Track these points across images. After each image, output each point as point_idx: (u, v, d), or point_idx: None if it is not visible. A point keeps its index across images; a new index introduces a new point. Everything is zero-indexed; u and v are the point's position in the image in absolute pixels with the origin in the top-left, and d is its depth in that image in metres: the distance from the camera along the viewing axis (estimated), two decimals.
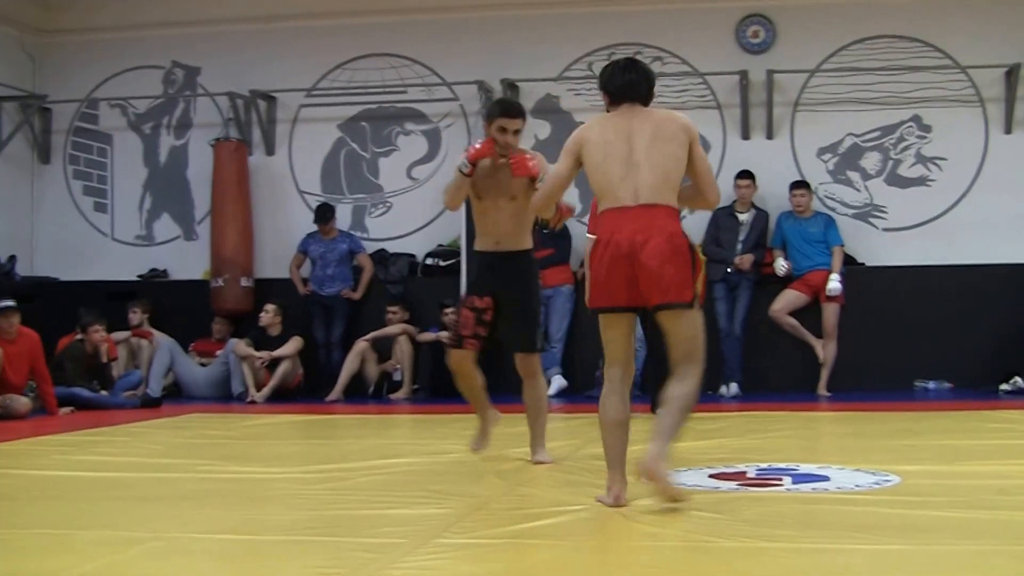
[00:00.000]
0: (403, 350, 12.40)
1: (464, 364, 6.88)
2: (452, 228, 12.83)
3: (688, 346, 5.31)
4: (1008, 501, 5.37)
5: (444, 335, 7.03)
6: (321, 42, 13.37)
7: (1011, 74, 12.54)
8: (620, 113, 5.57)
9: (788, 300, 12.16)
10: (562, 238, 12.52)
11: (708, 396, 11.73)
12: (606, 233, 5.29)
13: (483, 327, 6.78)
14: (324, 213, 12.91)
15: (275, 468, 6.92)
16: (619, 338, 5.40)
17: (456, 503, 5.51)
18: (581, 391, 12.09)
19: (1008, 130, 12.52)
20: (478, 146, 6.64)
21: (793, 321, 12.18)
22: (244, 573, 4.32)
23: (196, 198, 13.69)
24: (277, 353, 12.33)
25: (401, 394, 12.32)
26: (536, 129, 12.99)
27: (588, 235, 9.69)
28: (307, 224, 13.06)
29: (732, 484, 5.95)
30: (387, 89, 13.27)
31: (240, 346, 12.40)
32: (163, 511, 5.53)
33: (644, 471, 5.10)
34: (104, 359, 12.02)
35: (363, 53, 13.34)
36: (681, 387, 5.30)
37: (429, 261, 13.01)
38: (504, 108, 6.80)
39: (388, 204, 13.34)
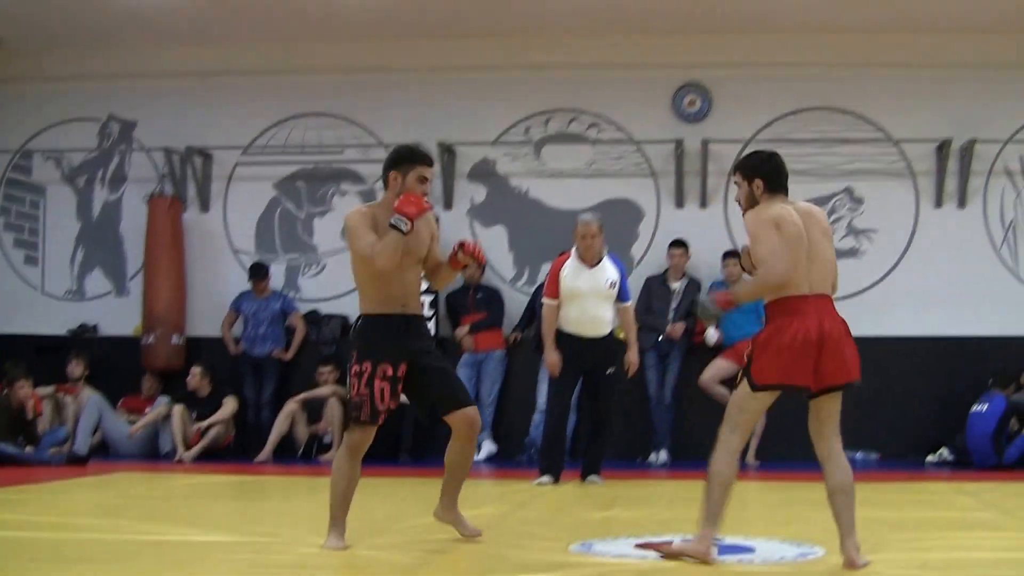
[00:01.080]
0: (333, 412, 12.34)
1: (366, 444, 6.23)
2: None
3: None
4: (928, 575, 5.44)
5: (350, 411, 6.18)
6: (259, 100, 13.34)
7: (942, 148, 12.72)
8: (790, 203, 5.83)
9: (717, 369, 12.19)
10: (494, 302, 12.56)
11: (637, 464, 11.81)
12: (795, 319, 5.62)
13: (395, 400, 6.16)
14: (258, 271, 12.86)
15: (200, 531, 6.82)
16: (762, 411, 6.03)
17: (384, 571, 5.48)
18: (510, 457, 12.10)
19: (938, 203, 12.68)
20: (412, 201, 6.01)
21: (723, 390, 12.19)
22: None
23: (129, 253, 13.56)
24: (213, 419, 12.23)
25: (330, 456, 12.21)
26: (472, 192, 13.07)
27: (547, 300, 9.74)
28: (240, 283, 13.02)
29: (656, 555, 5.91)
30: (324, 149, 13.25)
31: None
32: (82, 574, 5.45)
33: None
34: (29, 415, 11.86)
35: (300, 112, 13.31)
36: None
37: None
38: (422, 155, 6.27)
39: (322, 264, 13.29)
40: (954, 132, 12.69)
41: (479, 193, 13.09)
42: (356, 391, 6.13)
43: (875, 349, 12.28)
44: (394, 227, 5.99)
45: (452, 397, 6.29)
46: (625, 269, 10.29)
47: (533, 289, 12.48)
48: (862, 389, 12.25)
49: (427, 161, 6.26)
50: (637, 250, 12.95)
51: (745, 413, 5.98)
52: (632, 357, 10.04)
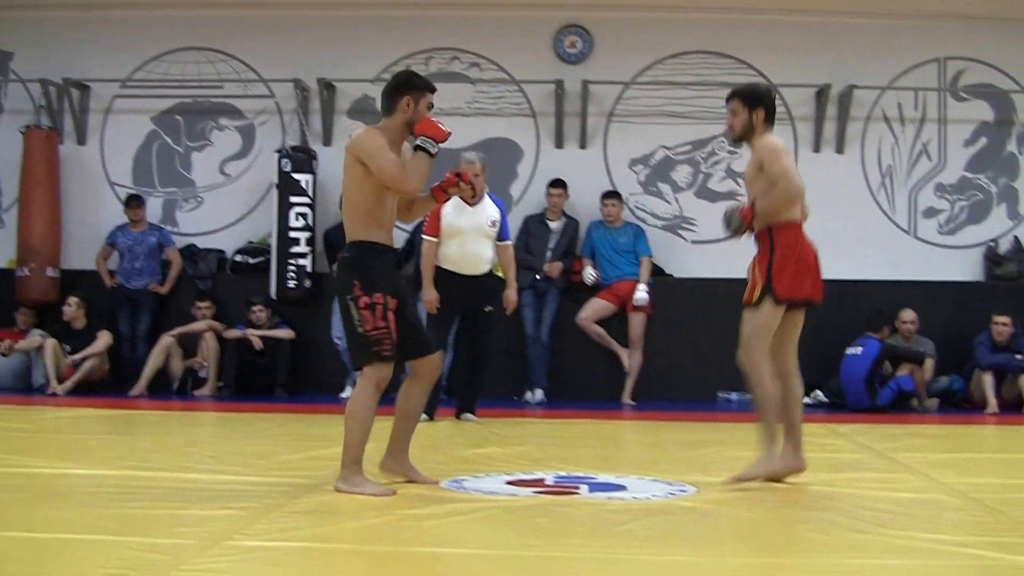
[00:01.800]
0: (209, 347, 12.28)
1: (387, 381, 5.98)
2: (263, 225, 12.77)
3: None
4: (798, 514, 5.47)
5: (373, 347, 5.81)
6: (137, 33, 13.15)
7: (821, 94, 12.84)
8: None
9: (595, 309, 12.25)
10: None
11: (512, 402, 11.83)
12: (802, 241, 6.36)
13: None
14: (133, 199, 12.75)
15: (70, 464, 6.74)
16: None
17: (254, 504, 5.35)
18: (387, 393, 12.04)
19: (817, 148, 12.81)
20: (435, 125, 5.88)
21: (600, 330, 12.27)
22: (22, 574, 4.07)
23: (3, 185, 13.34)
24: (87, 352, 12.10)
25: (205, 391, 12.19)
26: (352, 129, 12.92)
27: (427, 237, 9.68)
28: (117, 216, 12.88)
29: (529, 491, 5.92)
30: (203, 83, 13.12)
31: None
32: None
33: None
34: None
35: (180, 46, 13.15)
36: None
37: (238, 258, 12.91)
38: (430, 83, 6.04)
39: (199, 199, 13.18)
40: (833, 78, 12.82)
41: (359, 130, 12.96)
42: (371, 325, 5.82)
43: None
44: (423, 149, 5.87)
45: (422, 342, 6.15)
46: (505, 208, 10.28)
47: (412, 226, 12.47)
48: (737, 332, 12.50)
49: (435, 89, 6.08)
50: (516, 189, 12.96)
51: (769, 330, 6.32)
52: (511, 295, 10.00)
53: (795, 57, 12.96)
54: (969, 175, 13.14)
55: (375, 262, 5.90)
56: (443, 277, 9.71)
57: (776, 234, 6.27)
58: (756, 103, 6.37)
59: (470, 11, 13.02)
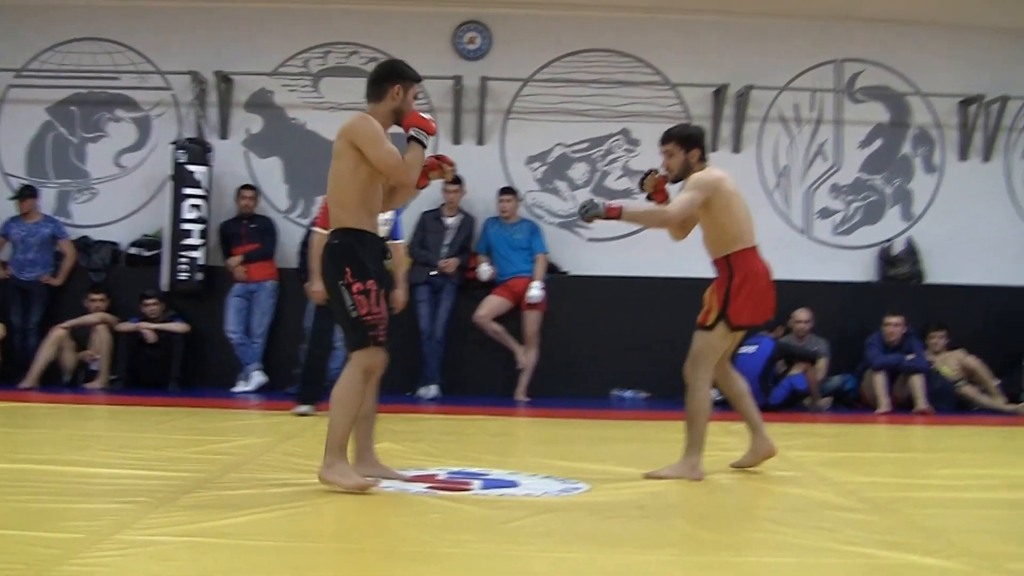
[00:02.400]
0: (102, 339, 12.18)
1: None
2: (157, 218, 12.66)
3: None
4: (690, 512, 5.52)
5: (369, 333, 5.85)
6: (33, 22, 12.99)
7: (719, 94, 12.90)
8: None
9: (492, 306, 12.25)
10: (268, 233, 12.48)
11: (407, 398, 11.82)
12: (758, 266, 6.74)
13: None
14: (25, 190, 12.60)
15: None
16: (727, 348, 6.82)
17: (144, 499, 5.33)
18: (279, 388, 12.04)
19: (714, 148, 12.81)
20: (426, 119, 5.99)
21: (498, 327, 12.28)
22: None
23: None
24: None
25: (97, 384, 12.09)
26: (248, 123, 12.96)
27: (318, 229, 9.60)
28: (9, 207, 12.72)
29: (421, 487, 5.92)
30: (99, 74, 12.98)
31: None
32: None
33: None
34: None
35: (76, 36, 12.99)
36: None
37: (133, 250, 12.79)
38: (416, 73, 6.09)
39: (94, 191, 13.05)
40: (731, 78, 12.89)
41: (255, 123, 12.98)
42: (367, 310, 5.82)
43: (646, 289, 12.54)
44: (417, 140, 5.93)
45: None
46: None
47: (308, 221, 12.44)
48: (633, 329, 12.55)
49: (421, 79, 6.15)
50: None
51: (717, 351, 6.70)
52: (399, 295, 9.96)
53: (693, 57, 13.05)
54: (864, 176, 13.27)
55: (366, 250, 5.93)
56: None
57: (734, 262, 6.65)
58: (691, 144, 6.75)
59: (369, 5, 12.97)
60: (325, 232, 9.48)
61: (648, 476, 6.52)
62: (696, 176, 6.63)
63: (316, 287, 9.59)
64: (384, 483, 5.95)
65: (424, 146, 5.94)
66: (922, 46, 13.24)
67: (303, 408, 9.73)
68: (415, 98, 6.05)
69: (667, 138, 6.82)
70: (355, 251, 5.89)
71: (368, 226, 5.99)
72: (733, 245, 6.68)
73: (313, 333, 10.09)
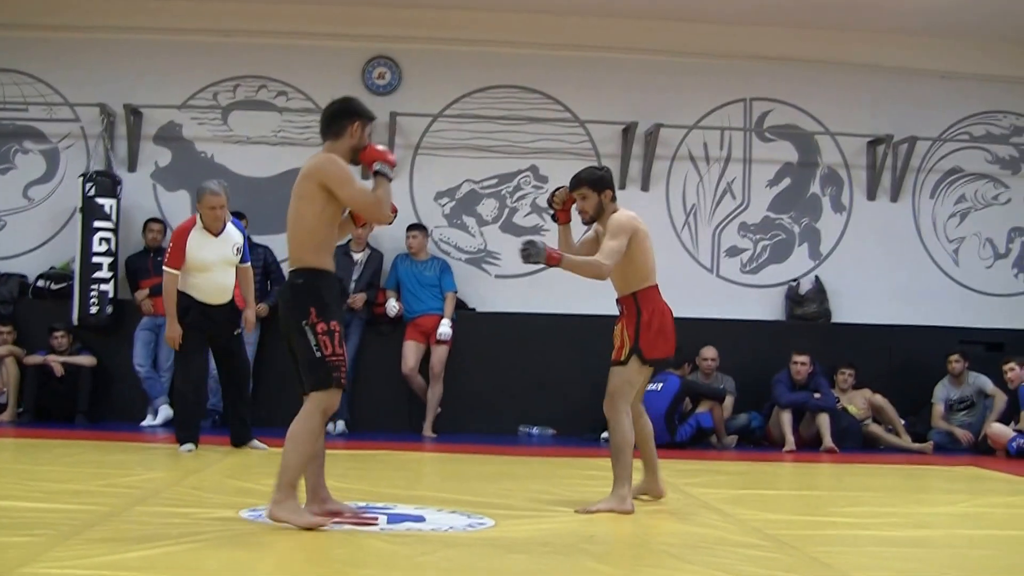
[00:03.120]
0: (9, 372, 12.11)
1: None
2: (66, 251, 12.57)
3: None
4: (593, 549, 5.50)
5: (330, 374, 5.85)
6: None
7: (628, 131, 12.96)
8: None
9: (415, 353, 12.25)
10: None
11: None
12: (662, 303, 7.08)
13: None
14: None
15: None
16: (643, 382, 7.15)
17: (49, 531, 5.31)
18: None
19: (623, 186, 12.86)
20: (384, 149, 6.12)
21: (422, 382, 12.29)
22: None
23: None
24: None
25: (5, 417, 12.01)
26: (157, 155, 12.93)
27: (169, 269, 9.56)
28: None
29: (327, 521, 5.90)
30: (7, 106, 12.90)
31: None
32: None
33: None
34: None
35: None
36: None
37: (40, 283, 12.69)
38: (368, 110, 6.16)
39: (1, 222, 12.92)
40: (639, 116, 12.97)
41: (164, 156, 12.93)
42: (331, 351, 5.83)
43: (553, 326, 12.57)
44: (383, 175, 6.02)
45: None
46: (245, 230, 10.32)
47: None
48: (541, 366, 12.56)
49: (375, 118, 6.24)
50: None
51: (633, 386, 7.01)
52: (250, 316, 10.07)
53: (602, 94, 13.12)
54: (772, 215, 13.37)
55: (327, 291, 5.93)
56: (191, 306, 9.65)
57: (641, 300, 7.01)
58: (603, 186, 7.10)
59: (279, 39, 12.96)
60: (175, 272, 9.50)
61: (580, 511, 6.71)
62: (616, 220, 6.93)
63: (172, 331, 9.57)
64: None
65: (389, 179, 6.02)
66: (831, 85, 13.38)
67: (185, 447, 9.60)
68: (370, 134, 6.13)
69: (578, 183, 7.13)
70: (320, 291, 5.89)
71: (329, 265, 5.99)
72: (642, 283, 7.03)
73: (183, 372, 9.96)
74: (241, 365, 10.08)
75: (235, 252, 9.74)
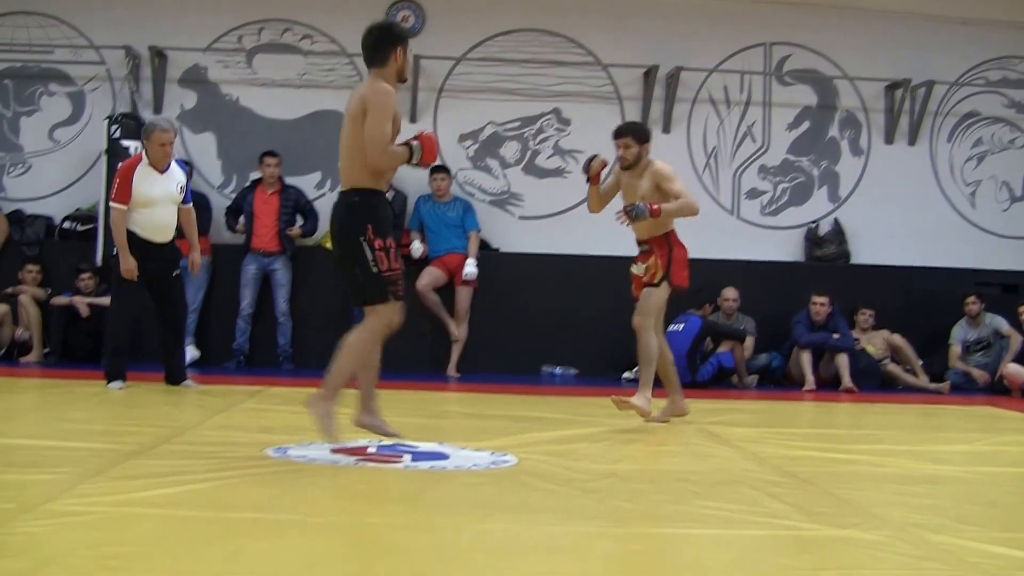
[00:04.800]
0: (29, 313, 12.19)
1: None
2: (91, 193, 12.67)
3: None
4: (615, 486, 5.54)
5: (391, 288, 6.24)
6: None
7: (649, 75, 13.03)
8: None
9: (433, 277, 12.34)
10: (201, 208, 12.46)
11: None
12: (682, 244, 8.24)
13: None
14: None
15: None
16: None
17: (75, 469, 5.33)
18: (213, 362, 12.13)
19: None
20: (434, 152, 6.32)
21: (437, 299, 12.38)
22: None
23: None
24: None
25: (31, 357, 12.11)
26: (183, 98, 12.98)
27: (116, 205, 9.46)
28: None
29: (351, 459, 5.96)
30: (33, 48, 12.98)
31: None
32: None
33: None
34: None
35: (10, 10, 12.98)
36: None
37: (67, 224, 12.79)
38: (407, 30, 6.71)
39: (27, 164, 13.05)
40: (661, 60, 13.02)
41: (189, 99, 13.01)
42: (388, 267, 6.17)
43: (576, 267, 12.67)
44: (410, 149, 6.18)
45: None
46: (187, 170, 10.29)
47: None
48: (564, 306, 12.67)
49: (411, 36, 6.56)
50: None
51: (661, 307, 8.16)
52: (195, 257, 9.96)
53: (624, 38, 13.17)
54: (792, 158, 13.46)
55: (384, 209, 6.23)
56: (132, 243, 9.48)
57: (672, 239, 8.12)
58: (645, 139, 8.20)
59: None
60: (123, 207, 9.40)
61: (615, 400, 8.05)
62: (667, 168, 8.08)
63: (126, 263, 9.41)
64: (308, 455, 6.00)
65: (408, 160, 6.16)
66: (850, 30, 13.43)
67: (114, 384, 9.50)
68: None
69: (625, 132, 8.20)
70: (376, 209, 6.13)
71: (383, 187, 6.25)
72: (671, 225, 8.14)
73: (120, 308, 9.79)
74: (178, 306, 9.97)
75: (179, 190, 9.61)
